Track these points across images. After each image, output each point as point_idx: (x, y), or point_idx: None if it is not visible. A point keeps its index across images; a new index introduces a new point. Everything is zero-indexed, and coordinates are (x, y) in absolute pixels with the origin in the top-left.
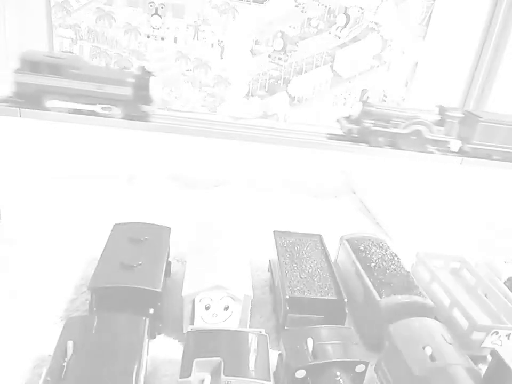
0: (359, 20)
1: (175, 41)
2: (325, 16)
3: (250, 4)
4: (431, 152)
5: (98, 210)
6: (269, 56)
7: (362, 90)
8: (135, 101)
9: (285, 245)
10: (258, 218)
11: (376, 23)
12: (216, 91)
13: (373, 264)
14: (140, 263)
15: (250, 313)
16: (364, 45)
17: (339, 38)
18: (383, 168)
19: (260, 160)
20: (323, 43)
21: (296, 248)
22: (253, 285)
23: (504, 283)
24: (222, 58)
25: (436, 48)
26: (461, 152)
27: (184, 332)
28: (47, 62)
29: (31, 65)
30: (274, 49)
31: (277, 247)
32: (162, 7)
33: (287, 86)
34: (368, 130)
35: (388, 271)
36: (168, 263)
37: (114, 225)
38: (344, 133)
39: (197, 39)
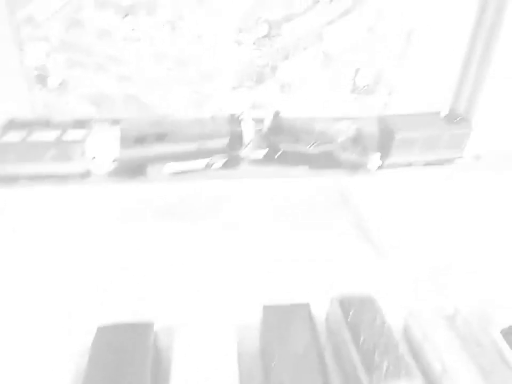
0: None
1: (152, 41)
2: None
3: None
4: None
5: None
6: (254, 43)
7: (356, 69)
8: (232, 149)
9: (272, 325)
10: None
11: None
12: (201, 87)
13: (362, 339)
14: None
15: None
16: (354, 18)
17: (326, 15)
18: (373, 181)
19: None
20: (309, 23)
21: (283, 326)
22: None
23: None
24: (203, 52)
25: (433, 14)
26: (381, 167)
27: None
28: (153, 132)
29: (135, 139)
30: (258, 36)
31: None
32: (133, 7)
33: (275, 73)
34: (276, 148)
35: (378, 350)
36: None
37: (98, 328)
38: (258, 153)
39: (175, 36)
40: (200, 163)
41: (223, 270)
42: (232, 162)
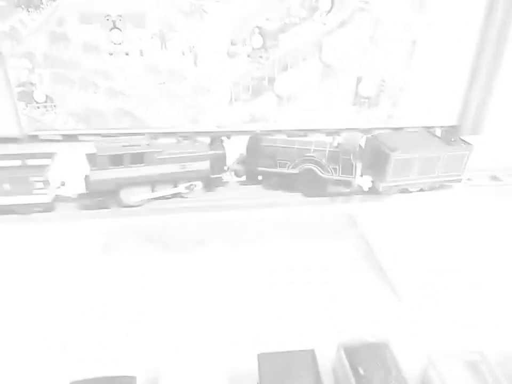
0: (345, 1)
1: (141, 55)
2: (306, 2)
3: (218, 0)
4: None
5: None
6: (248, 56)
7: (357, 78)
8: (214, 172)
9: (270, 376)
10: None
11: (365, 2)
12: (195, 102)
13: None
14: None
15: None
16: (354, 28)
17: (324, 24)
18: (389, 207)
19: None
20: (307, 33)
21: (282, 377)
22: None
23: None
24: (196, 65)
25: (437, 23)
26: (373, 192)
27: None
28: (129, 152)
29: (110, 159)
30: (253, 48)
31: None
32: (120, 19)
33: (273, 86)
34: (255, 171)
35: None
36: None
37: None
38: (237, 176)
39: (165, 49)
40: (180, 187)
41: (214, 309)
42: (213, 185)
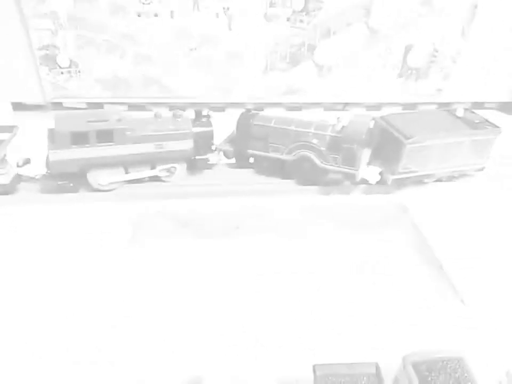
0: None
1: (172, 16)
2: None
3: None
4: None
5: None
6: (288, 19)
7: (406, 47)
8: (199, 153)
9: None
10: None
11: None
12: (227, 70)
13: None
14: None
15: None
16: None
17: None
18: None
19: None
20: None
21: None
22: None
23: None
24: (230, 29)
25: None
26: (382, 183)
27: None
28: (95, 129)
29: (72, 136)
30: (293, 10)
31: None
32: None
33: (313, 54)
34: (245, 153)
35: None
36: None
37: None
38: (226, 157)
39: (198, 10)
40: (158, 170)
41: (255, 313)
42: (197, 168)
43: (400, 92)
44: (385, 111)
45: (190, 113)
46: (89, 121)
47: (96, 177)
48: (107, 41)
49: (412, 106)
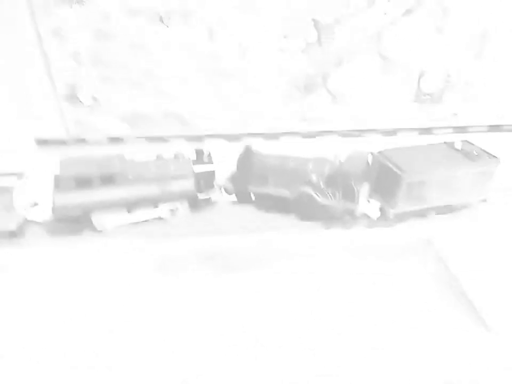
0: None
1: (190, 52)
2: None
3: None
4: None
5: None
6: (302, 51)
7: (419, 72)
8: (200, 191)
9: None
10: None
11: None
12: (244, 101)
13: None
14: None
15: None
16: (418, 17)
17: (385, 14)
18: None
19: None
20: (366, 24)
21: None
22: None
23: None
24: (245, 62)
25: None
26: (382, 218)
27: None
28: (99, 173)
29: (77, 181)
30: (307, 42)
31: None
32: (168, 15)
33: (327, 82)
34: (245, 190)
35: None
36: None
37: None
38: (228, 194)
39: (214, 45)
40: (161, 210)
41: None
42: (200, 206)
43: (415, 117)
44: (400, 137)
45: (191, 153)
46: (92, 166)
47: (100, 219)
48: (127, 78)
49: (428, 131)
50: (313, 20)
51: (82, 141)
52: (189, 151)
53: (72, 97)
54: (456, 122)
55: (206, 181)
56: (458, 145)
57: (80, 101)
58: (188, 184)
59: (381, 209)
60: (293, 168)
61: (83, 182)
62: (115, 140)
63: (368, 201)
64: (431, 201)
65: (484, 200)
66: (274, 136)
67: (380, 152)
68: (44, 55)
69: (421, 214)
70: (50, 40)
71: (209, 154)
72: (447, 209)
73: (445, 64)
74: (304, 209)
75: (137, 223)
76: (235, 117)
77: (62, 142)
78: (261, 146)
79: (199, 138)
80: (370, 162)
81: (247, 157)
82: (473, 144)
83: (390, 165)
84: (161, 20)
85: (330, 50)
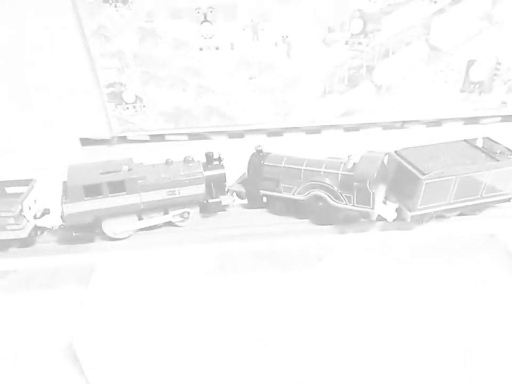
0: None
1: (232, 48)
2: None
3: None
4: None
5: None
6: (346, 43)
7: (468, 61)
8: (211, 196)
9: None
10: None
11: None
12: (286, 95)
13: None
14: None
15: None
16: (468, 5)
17: (435, 2)
18: None
19: None
20: (414, 14)
21: None
22: None
23: None
24: (289, 56)
25: None
26: (400, 220)
27: None
28: (108, 180)
29: (86, 189)
30: (352, 34)
31: None
32: (211, 11)
33: (371, 74)
34: (256, 193)
35: None
36: None
37: None
38: (240, 198)
39: (257, 40)
40: (171, 215)
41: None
42: (211, 211)
43: (462, 106)
44: (445, 127)
45: (202, 157)
46: (101, 173)
47: (111, 226)
48: (170, 76)
49: (475, 120)
50: (359, 10)
51: (124, 139)
52: (198, 154)
53: (116, 96)
54: (505, 111)
55: (216, 185)
56: (479, 143)
57: (124, 100)
58: (198, 189)
59: (397, 212)
60: (305, 170)
61: (92, 190)
62: (157, 137)
63: (385, 203)
64: (452, 202)
65: (508, 200)
66: (316, 129)
67: (396, 152)
68: (88, 55)
69: (441, 215)
70: (94, 39)
71: (219, 157)
72: (469, 211)
73: (494, 52)
74: (318, 212)
75: (146, 228)
76: (276, 110)
77: (105, 141)
78: (271, 148)
79: (240, 134)
80: (386, 163)
81: (258, 159)
82: (496, 142)
83: (408, 166)
84: (204, 16)
85: (376, 42)
